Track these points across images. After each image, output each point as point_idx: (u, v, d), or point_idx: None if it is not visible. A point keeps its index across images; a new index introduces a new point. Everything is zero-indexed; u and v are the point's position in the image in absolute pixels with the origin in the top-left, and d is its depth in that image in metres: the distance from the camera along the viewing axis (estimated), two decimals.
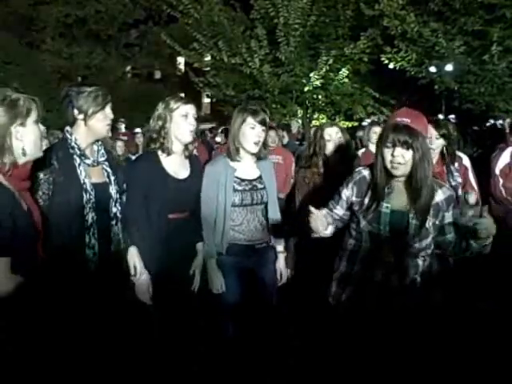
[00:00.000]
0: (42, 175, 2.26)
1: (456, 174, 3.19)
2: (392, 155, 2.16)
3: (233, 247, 2.84)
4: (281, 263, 3.02)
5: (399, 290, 2.28)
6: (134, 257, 2.53)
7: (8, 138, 1.87)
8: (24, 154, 1.93)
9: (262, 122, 2.83)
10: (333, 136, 3.43)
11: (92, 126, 2.42)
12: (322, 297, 2.53)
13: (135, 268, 2.53)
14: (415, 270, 2.30)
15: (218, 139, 9.58)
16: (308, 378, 2.99)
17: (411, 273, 2.29)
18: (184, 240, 2.69)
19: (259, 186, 2.90)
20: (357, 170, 2.45)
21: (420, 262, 2.30)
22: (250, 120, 2.81)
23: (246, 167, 2.90)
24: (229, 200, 2.79)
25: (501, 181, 4.40)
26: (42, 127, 2.06)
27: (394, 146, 2.15)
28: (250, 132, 2.81)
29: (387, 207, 2.25)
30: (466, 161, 4.60)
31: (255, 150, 2.84)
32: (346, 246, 2.45)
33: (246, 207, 2.84)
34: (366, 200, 2.30)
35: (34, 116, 1.95)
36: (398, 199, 2.27)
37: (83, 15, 19.08)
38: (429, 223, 2.24)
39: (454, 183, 3.11)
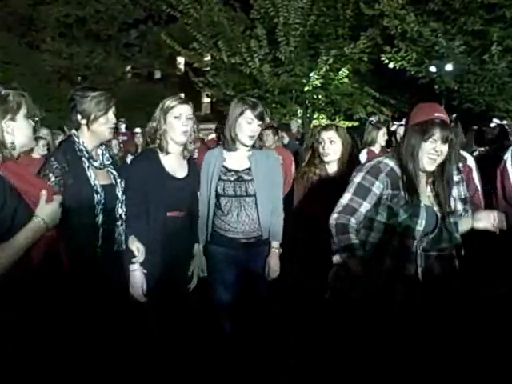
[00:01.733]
0: (53, 177, 2.28)
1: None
2: (435, 150, 2.17)
3: (220, 238, 2.87)
4: (272, 260, 2.97)
5: (433, 284, 2.27)
6: (134, 241, 2.56)
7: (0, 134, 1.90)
8: (13, 148, 1.95)
9: (260, 116, 2.84)
10: (334, 138, 3.41)
11: (95, 130, 2.45)
12: (321, 295, 2.52)
13: (138, 249, 2.55)
14: (445, 263, 2.31)
15: (209, 137, 9.60)
16: (308, 377, 2.99)
17: (445, 266, 2.30)
18: (181, 238, 2.71)
19: (246, 177, 2.89)
20: (377, 160, 2.31)
21: (450, 254, 2.32)
22: (248, 113, 2.82)
23: (238, 158, 2.92)
24: (213, 188, 2.85)
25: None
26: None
27: (436, 141, 2.17)
28: (247, 126, 2.83)
29: (421, 201, 2.23)
30: (471, 161, 4.59)
31: (250, 143, 2.87)
32: (366, 239, 2.29)
33: (231, 198, 2.86)
34: (402, 193, 2.21)
35: (23, 110, 1.97)
36: (424, 194, 2.27)
37: (83, 15, 19.08)
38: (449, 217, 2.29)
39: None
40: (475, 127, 6.93)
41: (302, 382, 3.02)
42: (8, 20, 18.50)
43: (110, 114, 2.47)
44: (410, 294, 2.25)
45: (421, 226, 2.20)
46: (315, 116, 13.17)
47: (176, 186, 2.67)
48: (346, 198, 2.25)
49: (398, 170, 2.24)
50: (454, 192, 3.03)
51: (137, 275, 2.55)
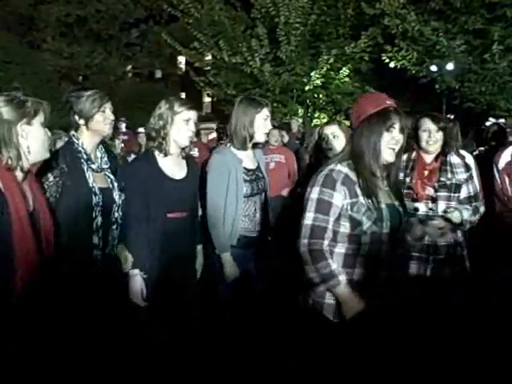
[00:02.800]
0: (51, 178, 2.30)
1: (456, 170, 3.09)
2: (394, 139, 2.05)
3: (241, 239, 2.87)
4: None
5: (407, 284, 2.25)
6: (123, 251, 2.56)
7: (14, 136, 1.92)
8: (29, 151, 1.97)
9: (271, 114, 2.94)
10: (337, 133, 3.40)
11: (94, 129, 2.48)
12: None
13: (126, 259, 2.55)
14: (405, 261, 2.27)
15: (210, 137, 9.58)
16: (308, 377, 2.99)
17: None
18: (183, 239, 2.70)
19: (260, 175, 2.96)
20: (328, 168, 2.10)
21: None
22: (265, 111, 2.88)
23: (248, 158, 2.95)
24: (241, 191, 2.82)
25: (507, 180, 4.39)
26: (48, 132, 2.08)
27: (395, 129, 2.05)
28: (263, 123, 2.87)
29: (382, 202, 2.09)
30: (470, 159, 4.59)
31: (264, 139, 2.93)
32: (331, 251, 2.10)
33: (249, 197, 2.88)
34: (361, 199, 2.05)
35: (41, 117, 2.00)
36: (383, 192, 2.14)
37: (84, 15, 19.08)
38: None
39: (448, 182, 2.98)
40: (476, 126, 6.94)
41: (302, 382, 3.02)
42: (9, 19, 18.52)
43: (107, 111, 2.50)
44: (386, 298, 2.16)
45: (387, 228, 2.08)
46: (316, 115, 13.16)
47: (175, 187, 2.65)
48: (309, 219, 2.06)
49: (352, 175, 2.07)
50: (463, 190, 3.01)
51: (136, 280, 2.54)
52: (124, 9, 19.51)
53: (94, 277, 2.35)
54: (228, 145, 2.95)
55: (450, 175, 3.01)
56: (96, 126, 2.47)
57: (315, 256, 2.03)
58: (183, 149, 2.73)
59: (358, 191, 2.05)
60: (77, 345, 2.26)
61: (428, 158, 3.09)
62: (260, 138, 2.89)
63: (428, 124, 3.05)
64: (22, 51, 17.64)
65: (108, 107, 2.51)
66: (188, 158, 2.80)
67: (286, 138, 7.56)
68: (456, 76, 10.96)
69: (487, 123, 6.76)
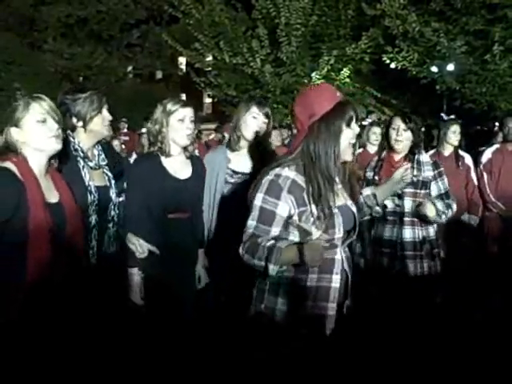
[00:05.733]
0: None
1: (423, 168, 3.13)
2: (354, 133, 1.93)
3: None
4: None
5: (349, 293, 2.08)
6: (132, 238, 2.53)
7: (9, 138, 2.02)
8: (34, 149, 2.06)
9: (266, 115, 2.88)
10: None
11: (92, 130, 2.47)
12: None
13: (139, 244, 2.53)
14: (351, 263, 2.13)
15: (210, 137, 9.60)
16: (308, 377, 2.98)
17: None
18: (184, 240, 2.68)
19: (249, 179, 2.89)
20: (274, 173, 1.91)
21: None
22: (254, 109, 2.86)
23: (244, 159, 2.91)
24: (219, 191, 2.83)
25: (485, 176, 4.49)
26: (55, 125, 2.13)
27: (353, 123, 1.92)
28: (252, 121, 2.86)
29: (334, 207, 1.94)
30: (469, 160, 4.63)
31: (251, 137, 2.87)
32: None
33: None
34: (313, 207, 1.89)
35: (33, 116, 2.06)
36: (337, 192, 2.01)
37: (85, 15, 19.09)
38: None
39: (414, 179, 3.00)
40: (478, 127, 6.96)
41: (303, 382, 3.01)
42: (9, 20, 18.50)
43: (105, 112, 2.49)
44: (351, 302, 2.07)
45: (340, 233, 1.94)
46: None
47: (178, 187, 2.64)
48: (251, 226, 1.93)
49: (300, 181, 1.91)
50: (433, 189, 3.05)
51: (134, 279, 2.54)
52: (125, 9, 19.51)
53: (88, 275, 2.33)
54: (225, 145, 2.97)
55: (416, 172, 3.05)
56: (94, 128, 2.46)
57: (252, 250, 1.90)
58: (186, 149, 2.72)
59: (306, 199, 1.90)
60: (72, 344, 2.25)
61: (396, 157, 3.16)
62: (248, 135, 2.86)
63: (398, 122, 3.10)
64: (22, 52, 17.61)
65: (105, 107, 2.49)
66: (193, 158, 2.79)
67: (288, 139, 7.57)
68: (457, 77, 10.95)
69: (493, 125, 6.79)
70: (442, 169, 3.15)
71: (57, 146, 2.10)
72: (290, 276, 1.95)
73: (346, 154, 1.95)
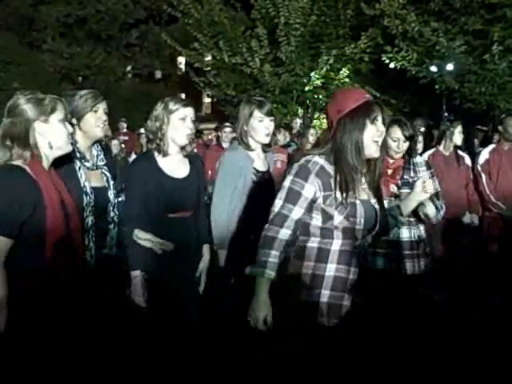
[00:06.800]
0: None
1: (418, 168, 3.15)
2: (380, 132, 2.01)
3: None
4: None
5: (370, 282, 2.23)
6: (141, 233, 2.53)
7: (31, 133, 1.98)
8: (51, 147, 2.04)
9: (269, 113, 2.88)
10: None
11: (85, 130, 2.43)
12: None
13: (152, 238, 2.54)
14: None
15: (209, 137, 9.59)
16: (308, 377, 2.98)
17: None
18: (186, 239, 2.66)
19: (268, 178, 2.97)
20: (305, 159, 2.07)
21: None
22: (257, 113, 2.85)
23: (259, 158, 2.95)
24: (246, 192, 2.84)
25: (483, 176, 4.48)
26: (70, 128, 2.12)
27: (379, 122, 2.01)
28: (259, 125, 2.86)
29: (357, 198, 2.05)
30: (468, 160, 4.63)
31: (267, 140, 2.89)
32: (303, 245, 2.09)
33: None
34: (335, 193, 2.01)
35: (58, 114, 2.05)
36: (361, 188, 2.11)
37: (84, 15, 19.10)
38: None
39: (411, 180, 3.03)
40: (483, 128, 6.98)
41: (303, 382, 3.01)
42: (9, 20, 18.52)
43: (100, 112, 2.44)
44: (359, 298, 2.13)
45: (360, 225, 2.04)
46: (316, 116, 13.16)
47: (176, 187, 2.62)
48: (277, 206, 2.05)
49: (329, 168, 2.04)
50: None
51: (138, 282, 2.53)
52: (124, 9, 19.52)
53: (86, 278, 2.32)
54: (238, 144, 2.96)
55: (412, 173, 3.10)
56: (87, 127, 2.42)
57: (266, 241, 2.02)
58: (183, 148, 2.69)
59: (333, 185, 2.02)
60: (74, 344, 2.25)
61: (391, 160, 3.16)
62: (262, 140, 2.88)
63: (398, 135, 3.07)
64: (21, 51, 17.61)
65: (102, 108, 2.45)
66: (191, 157, 2.77)
67: (288, 139, 7.58)
68: (456, 76, 10.95)
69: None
70: (433, 169, 3.20)
71: (68, 148, 2.13)
72: (310, 265, 2.05)
73: (371, 150, 2.02)
